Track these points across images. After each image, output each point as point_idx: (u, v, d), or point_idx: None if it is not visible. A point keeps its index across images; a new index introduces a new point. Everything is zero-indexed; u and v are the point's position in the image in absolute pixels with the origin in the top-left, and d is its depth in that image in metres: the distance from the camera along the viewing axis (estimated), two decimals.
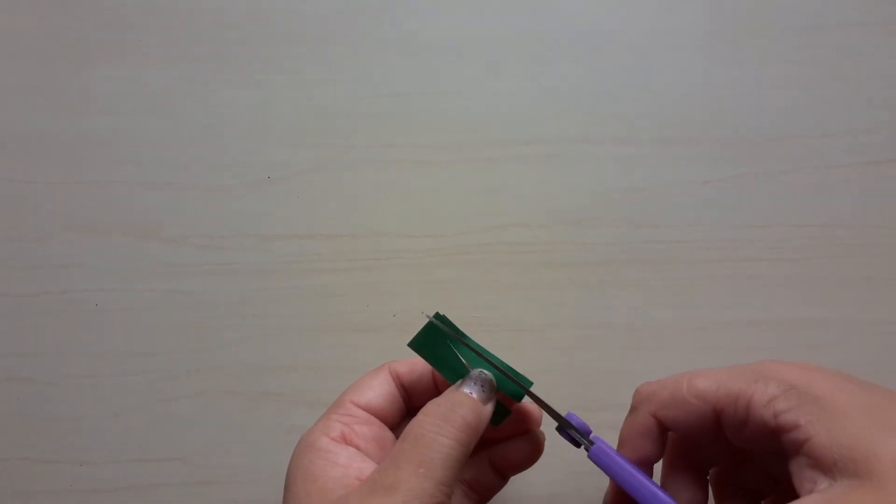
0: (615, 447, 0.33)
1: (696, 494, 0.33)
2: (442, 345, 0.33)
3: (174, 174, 0.49)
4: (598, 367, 0.46)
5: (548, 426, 0.34)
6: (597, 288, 0.47)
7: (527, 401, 0.34)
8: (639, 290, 0.47)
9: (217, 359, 0.47)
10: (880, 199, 0.47)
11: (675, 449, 0.34)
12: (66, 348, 0.47)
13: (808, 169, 0.48)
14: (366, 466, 0.31)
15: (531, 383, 0.33)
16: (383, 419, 0.34)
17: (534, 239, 0.48)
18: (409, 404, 0.36)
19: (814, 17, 0.49)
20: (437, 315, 0.34)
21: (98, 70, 0.50)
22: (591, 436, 0.32)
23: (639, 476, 0.31)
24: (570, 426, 0.33)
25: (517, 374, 0.33)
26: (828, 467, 0.25)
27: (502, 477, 0.35)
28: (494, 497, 0.36)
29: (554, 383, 0.44)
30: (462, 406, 0.31)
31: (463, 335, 0.33)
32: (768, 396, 0.28)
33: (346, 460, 0.31)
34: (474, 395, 0.32)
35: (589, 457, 0.32)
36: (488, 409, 0.32)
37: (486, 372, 0.33)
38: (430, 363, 0.34)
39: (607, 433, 0.34)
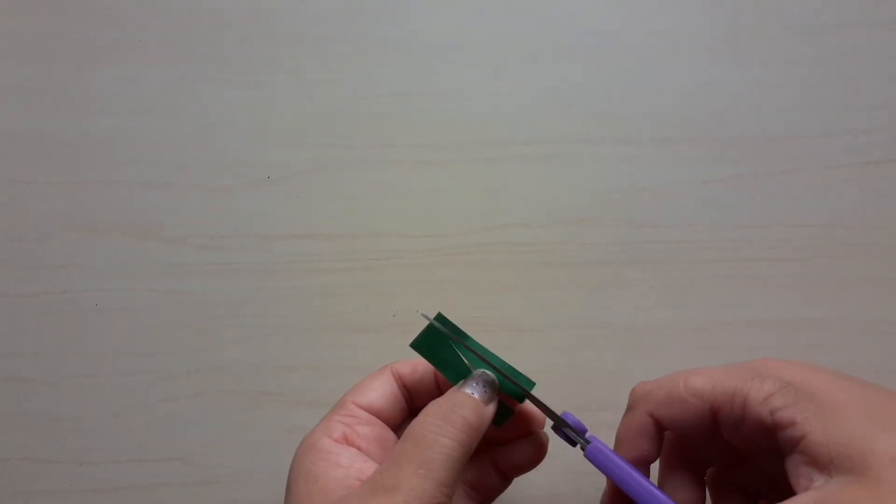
0: (612, 447, 0.33)
1: (693, 494, 0.33)
2: (443, 345, 0.33)
3: (174, 174, 0.49)
4: (597, 367, 0.46)
5: (546, 426, 0.34)
6: (597, 288, 0.47)
7: (528, 401, 0.34)
8: (639, 290, 0.47)
9: (217, 359, 0.47)
10: (880, 199, 0.47)
11: (672, 448, 0.34)
12: (66, 348, 0.47)
13: (808, 169, 0.48)
14: (367, 467, 0.31)
15: (533, 384, 0.33)
16: (385, 420, 0.34)
17: (534, 239, 0.48)
18: (411, 405, 0.36)
19: (814, 17, 0.49)
20: (438, 315, 0.34)
21: (98, 70, 0.50)
22: (587, 434, 0.32)
23: (635, 475, 0.31)
24: (566, 425, 0.33)
25: (519, 374, 0.33)
26: (824, 464, 0.25)
27: (505, 478, 0.35)
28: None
29: (554, 383, 0.45)
30: (463, 406, 0.31)
31: (464, 335, 0.33)
32: (764, 394, 0.28)
33: (347, 461, 0.31)
34: (476, 396, 0.32)
35: (585, 456, 0.32)
36: (490, 409, 0.32)
37: (487, 372, 0.33)
38: (432, 363, 0.34)
39: (607, 433, 0.34)
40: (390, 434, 0.34)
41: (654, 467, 0.33)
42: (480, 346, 0.33)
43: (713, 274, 0.47)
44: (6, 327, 0.47)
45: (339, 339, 0.47)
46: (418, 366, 0.35)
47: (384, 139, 0.49)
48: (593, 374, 0.46)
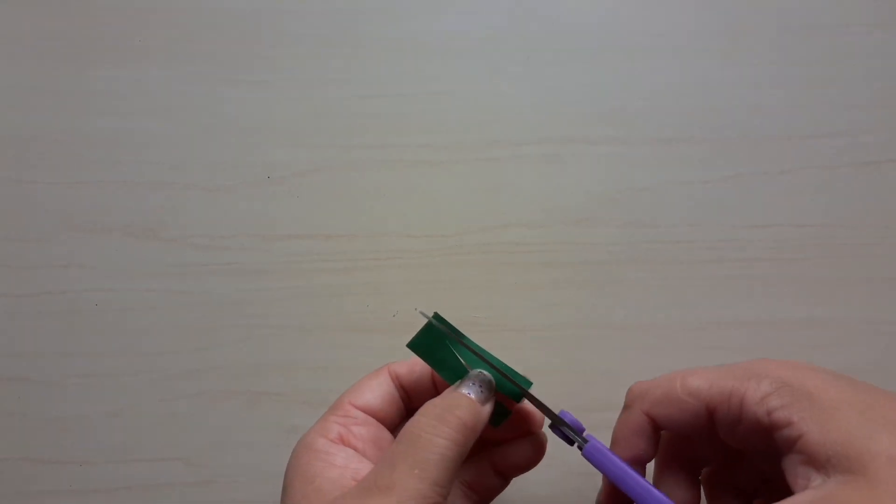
0: (608, 446, 0.33)
1: (689, 494, 0.33)
2: (441, 345, 0.33)
3: (174, 174, 0.49)
4: (597, 367, 0.46)
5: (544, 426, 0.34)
6: (597, 288, 0.47)
7: (526, 401, 0.34)
8: (639, 290, 0.47)
9: (217, 359, 0.47)
10: (880, 199, 0.47)
11: (668, 448, 0.34)
12: (66, 348, 0.47)
13: (808, 169, 0.48)
14: (363, 467, 0.31)
15: (530, 383, 0.33)
16: (382, 420, 0.34)
17: (534, 239, 0.48)
18: (408, 405, 0.36)
19: (813, 17, 0.49)
20: (434, 315, 0.34)
21: (98, 70, 0.50)
22: (585, 434, 0.32)
23: (632, 473, 0.31)
24: (564, 423, 0.32)
25: (516, 374, 0.33)
26: (821, 464, 0.25)
27: (504, 478, 0.35)
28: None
29: (554, 383, 0.45)
30: (459, 407, 0.31)
31: (461, 335, 0.33)
32: (761, 394, 0.28)
33: (343, 461, 0.31)
34: (472, 396, 0.31)
35: (583, 454, 0.32)
36: (486, 409, 0.32)
37: (484, 372, 0.33)
38: (429, 364, 0.34)
39: (607, 433, 0.34)
40: (387, 434, 0.34)
41: (650, 468, 0.33)
42: (477, 345, 0.33)
43: (713, 274, 0.47)
44: (6, 327, 0.48)
45: (339, 339, 0.47)
46: (416, 366, 0.35)
47: (384, 139, 0.49)
48: (593, 374, 0.46)
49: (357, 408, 0.34)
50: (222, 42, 0.50)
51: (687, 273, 0.47)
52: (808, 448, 0.26)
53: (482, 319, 0.47)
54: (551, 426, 0.33)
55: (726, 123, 0.48)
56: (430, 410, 0.30)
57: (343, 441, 0.32)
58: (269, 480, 0.46)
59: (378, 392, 0.34)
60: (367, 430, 0.33)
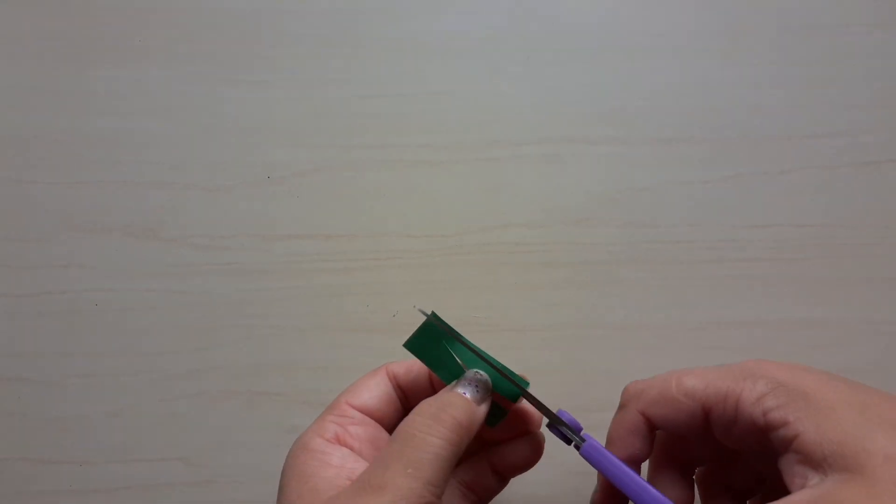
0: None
1: (683, 493, 0.33)
2: (437, 345, 0.33)
3: (174, 174, 0.49)
4: (596, 367, 0.46)
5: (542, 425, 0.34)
6: (597, 288, 0.47)
7: (523, 401, 0.33)
8: (639, 290, 0.47)
9: (217, 359, 0.47)
10: (880, 199, 0.47)
11: (663, 448, 0.34)
12: (66, 348, 0.47)
13: (808, 169, 0.48)
14: (359, 467, 0.31)
15: (527, 383, 0.33)
16: (379, 420, 0.34)
17: (534, 239, 0.48)
18: (406, 405, 0.36)
19: (813, 17, 0.49)
20: (432, 314, 0.34)
21: (98, 70, 0.50)
22: (582, 433, 0.32)
23: (629, 472, 0.31)
24: (562, 423, 0.32)
25: (513, 374, 0.33)
26: (818, 463, 0.25)
27: (502, 478, 0.35)
28: None
29: (553, 383, 0.45)
30: (454, 406, 0.30)
31: (458, 335, 0.33)
32: (757, 394, 0.28)
33: (339, 461, 0.31)
34: (468, 396, 0.31)
35: (580, 453, 0.32)
36: (482, 409, 0.32)
37: (481, 372, 0.33)
38: (426, 364, 0.34)
39: (606, 433, 0.34)
40: (384, 434, 0.34)
41: (644, 467, 0.33)
42: (474, 345, 0.33)
43: (713, 274, 0.47)
44: (6, 327, 0.48)
45: (339, 339, 0.47)
46: (413, 366, 0.35)
47: (384, 139, 0.49)
48: (593, 374, 0.46)
49: (354, 407, 0.34)
50: (222, 42, 0.50)
51: (687, 273, 0.47)
52: (804, 448, 0.26)
53: (482, 319, 0.47)
54: (549, 425, 0.33)
55: (726, 123, 0.48)
56: (424, 409, 0.30)
57: (339, 441, 0.32)
58: (269, 480, 0.46)
59: (375, 392, 0.34)
60: (363, 430, 0.33)
